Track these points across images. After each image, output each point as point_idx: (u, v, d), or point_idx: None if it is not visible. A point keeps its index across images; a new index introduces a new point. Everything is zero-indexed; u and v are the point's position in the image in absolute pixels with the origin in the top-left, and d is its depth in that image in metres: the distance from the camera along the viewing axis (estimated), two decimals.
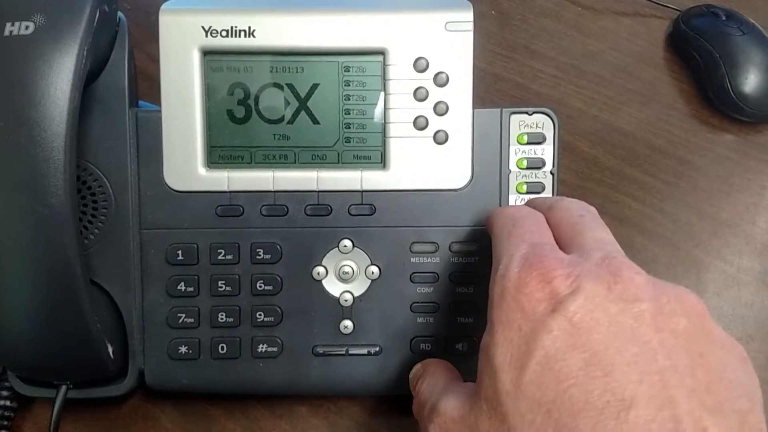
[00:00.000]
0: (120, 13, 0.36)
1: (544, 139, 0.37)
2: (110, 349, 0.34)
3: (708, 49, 0.53)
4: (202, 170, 0.36)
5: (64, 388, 0.34)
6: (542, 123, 0.37)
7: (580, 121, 0.52)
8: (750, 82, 0.51)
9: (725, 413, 0.23)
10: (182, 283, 0.36)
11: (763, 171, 0.50)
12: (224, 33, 0.35)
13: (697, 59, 0.55)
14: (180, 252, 0.36)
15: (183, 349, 0.36)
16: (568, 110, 0.52)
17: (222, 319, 0.36)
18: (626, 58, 0.56)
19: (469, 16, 0.36)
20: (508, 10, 0.58)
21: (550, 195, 0.37)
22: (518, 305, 0.25)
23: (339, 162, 0.37)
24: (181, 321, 0.36)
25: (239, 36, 0.35)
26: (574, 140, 0.50)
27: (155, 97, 0.38)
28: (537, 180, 0.37)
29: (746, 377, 0.25)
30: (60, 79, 0.30)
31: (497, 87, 0.53)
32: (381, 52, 0.36)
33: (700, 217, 0.48)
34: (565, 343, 0.24)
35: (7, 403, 0.36)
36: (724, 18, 0.55)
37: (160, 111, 0.36)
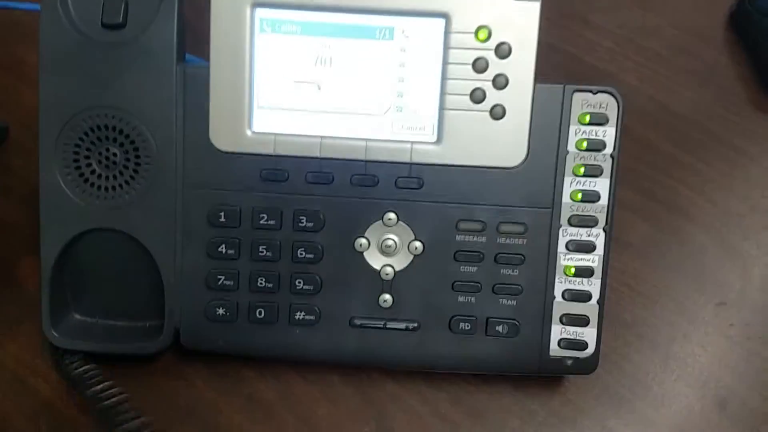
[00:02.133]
0: None
1: (607, 121, 0.35)
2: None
3: None
4: (248, 131, 0.35)
5: None
6: (606, 103, 0.35)
7: (635, 99, 0.50)
8: None
9: None
10: (223, 246, 0.35)
11: None
12: None
13: (760, 42, 0.52)
14: (222, 214, 0.35)
15: (220, 311, 0.36)
16: (622, 87, 0.49)
17: (261, 283, 0.36)
18: (686, 36, 0.54)
19: None
20: None
21: (608, 180, 0.35)
22: None
23: (389, 131, 0.35)
24: (220, 283, 0.36)
25: None
26: (627, 119, 0.47)
27: (197, 49, 0.37)
28: (596, 163, 0.35)
29: None
30: None
31: (550, 58, 0.51)
32: (443, 16, 0.34)
33: (751, 209, 0.46)
34: None
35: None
36: None
37: (208, 68, 0.34)
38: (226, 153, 0.35)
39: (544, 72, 0.47)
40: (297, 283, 0.36)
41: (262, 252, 0.35)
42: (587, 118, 0.35)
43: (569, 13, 0.53)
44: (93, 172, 0.35)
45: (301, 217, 0.35)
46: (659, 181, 0.46)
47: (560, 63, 0.50)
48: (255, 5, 0.34)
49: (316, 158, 0.35)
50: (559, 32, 0.52)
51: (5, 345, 0.39)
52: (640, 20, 0.53)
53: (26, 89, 0.49)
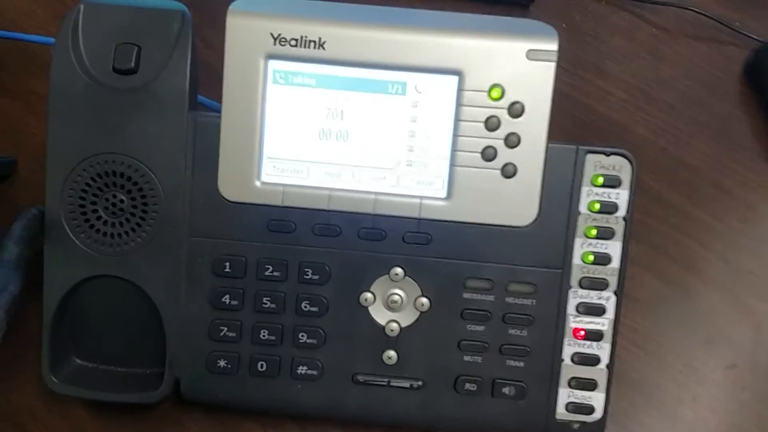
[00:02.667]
0: (185, 9, 0.35)
1: (620, 183, 0.35)
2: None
3: None
4: (257, 182, 0.35)
5: None
6: (620, 166, 0.35)
7: (647, 151, 0.49)
8: None
9: None
10: (227, 296, 0.35)
11: None
12: (293, 42, 0.33)
13: None
14: (228, 264, 0.35)
15: (222, 363, 0.35)
16: (633, 139, 0.50)
17: (264, 336, 0.35)
18: (699, 88, 0.53)
19: (553, 45, 0.33)
20: (579, 25, 0.56)
21: (620, 242, 0.35)
22: None
23: (398, 186, 0.35)
24: (222, 334, 0.35)
25: (308, 47, 0.33)
26: (638, 172, 0.47)
27: (210, 86, 0.37)
28: (608, 225, 0.35)
29: None
30: None
31: (562, 105, 0.50)
32: (457, 73, 0.34)
33: (764, 268, 0.45)
34: None
35: None
36: None
37: (219, 116, 0.34)
38: (234, 203, 0.35)
39: (555, 120, 0.47)
40: (300, 337, 0.35)
41: (266, 304, 0.35)
42: (600, 180, 0.34)
43: (582, 61, 0.53)
44: (99, 218, 0.34)
45: (306, 270, 0.35)
46: (670, 236, 0.46)
47: (571, 111, 0.50)
48: (269, 57, 0.34)
49: (324, 211, 0.35)
50: (571, 80, 0.52)
51: (4, 389, 0.38)
52: (653, 71, 0.53)
53: (35, 120, 0.48)
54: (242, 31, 0.34)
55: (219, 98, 0.35)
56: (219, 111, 0.35)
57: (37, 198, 0.44)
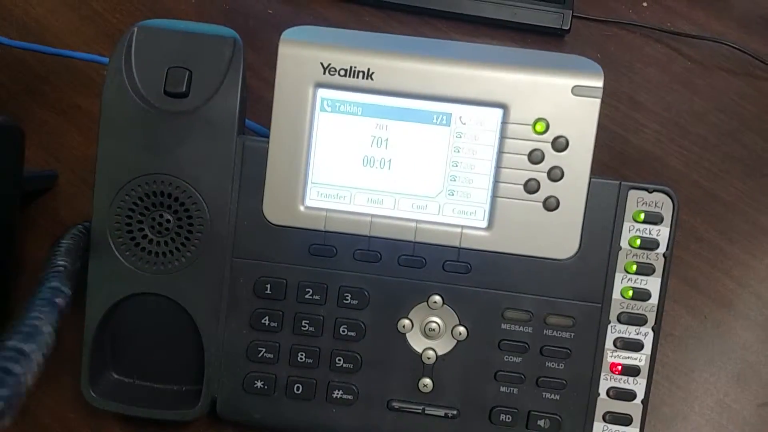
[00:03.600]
0: (236, 36, 0.36)
1: (662, 220, 0.35)
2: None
3: None
4: (301, 207, 0.35)
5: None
6: (662, 203, 0.35)
7: (680, 184, 0.49)
8: None
9: None
10: (267, 318, 0.35)
11: None
12: (342, 72, 0.34)
13: None
14: (269, 286, 0.35)
15: (258, 384, 0.36)
16: (667, 171, 0.50)
17: (301, 359, 0.35)
18: (732, 122, 0.53)
19: (599, 82, 0.34)
20: (614, 56, 0.56)
21: (660, 279, 0.35)
22: None
23: (440, 214, 0.35)
24: (260, 355, 0.35)
25: (357, 77, 0.34)
26: (679, 209, 0.47)
27: (259, 116, 0.37)
28: (648, 261, 0.35)
29: None
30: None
31: (597, 136, 0.51)
32: (502, 106, 0.34)
33: None
34: None
35: None
36: None
37: (266, 141, 0.35)
38: (278, 226, 0.35)
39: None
40: (337, 361, 0.35)
41: (304, 327, 0.35)
42: (642, 216, 0.35)
43: (617, 92, 0.53)
44: (145, 236, 0.35)
45: (346, 294, 0.35)
46: (704, 271, 0.45)
47: (606, 142, 0.50)
48: (318, 85, 0.34)
49: (365, 236, 0.35)
50: (607, 111, 0.52)
51: (42, 398, 0.39)
52: (687, 104, 0.53)
53: (77, 135, 0.49)
54: (293, 60, 0.34)
55: (262, 122, 0.36)
56: (264, 135, 0.35)
57: (79, 210, 0.45)
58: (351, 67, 0.34)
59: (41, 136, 0.48)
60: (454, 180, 0.35)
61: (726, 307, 0.45)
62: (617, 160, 0.50)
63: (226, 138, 0.35)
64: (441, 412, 0.35)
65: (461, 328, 0.35)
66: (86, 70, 0.51)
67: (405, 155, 0.35)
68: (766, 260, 0.47)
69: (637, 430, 0.35)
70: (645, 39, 0.57)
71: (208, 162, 0.35)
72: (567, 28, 0.55)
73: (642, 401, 0.35)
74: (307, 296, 0.35)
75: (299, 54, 0.34)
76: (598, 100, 0.34)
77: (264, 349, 0.35)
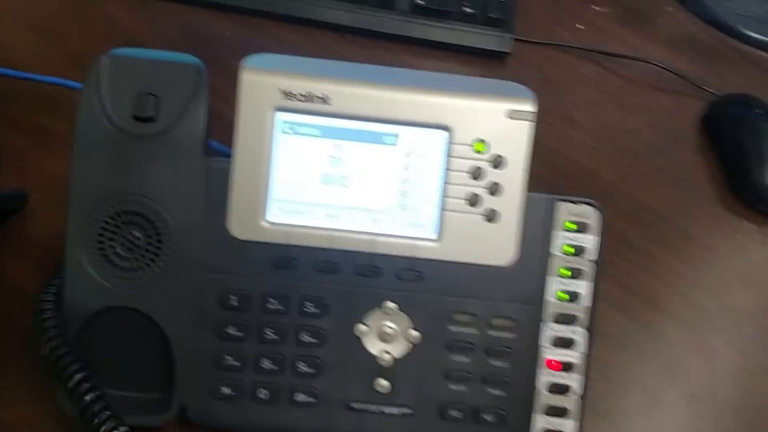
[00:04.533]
0: (200, 63, 0.38)
1: (589, 228, 0.39)
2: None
3: (738, 138, 0.56)
4: (264, 222, 0.38)
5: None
6: (589, 213, 0.39)
7: (614, 196, 0.54)
8: None
9: None
10: (232, 327, 0.38)
11: None
12: (301, 97, 0.37)
13: (728, 146, 0.57)
14: (235, 297, 0.38)
15: (226, 390, 0.38)
16: (601, 184, 0.54)
17: (266, 365, 0.38)
18: (662, 137, 0.58)
19: (531, 106, 0.38)
20: (552, 76, 0.61)
21: (590, 282, 0.39)
22: None
23: (393, 227, 0.38)
24: (227, 363, 0.38)
25: (314, 101, 0.37)
26: (606, 215, 0.51)
27: (221, 135, 0.40)
28: (578, 266, 0.39)
29: None
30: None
31: (535, 151, 0.55)
32: (446, 128, 0.38)
33: (721, 306, 0.50)
34: None
35: None
36: (758, 111, 0.57)
37: (229, 161, 0.38)
38: (242, 241, 0.38)
39: (531, 165, 0.51)
40: (299, 366, 0.38)
41: (268, 335, 0.38)
42: (571, 226, 0.38)
43: (555, 111, 0.57)
44: (116, 253, 0.37)
45: (307, 303, 0.38)
46: (635, 275, 0.50)
47: (544, 157, 0.54)
48: (278, 109, 0.37)
49: (325, 249, 0.38)
50: (544, 128, 0.55)
51: (16, 407, 0.40)
52: (619, 121, 0.58)
53: (45, 156, 0.51)
54: (254, 86, 0.37)
55: (222, 138, 0.39)
56: (225, 153, 0.38)
57: (50, 228, 0.46)
58: (309, 93, 0.37)
59: (11, 158, 0.49)
60: (405, 196, 0.38)
61: (656, 309, 0.49)
62: (555, 174, 0.54)
63: (192, 159, 0.37)
64: (396, 411, 0.38)
65: (414, 332, 0.38)
66: (53, 92, 0.53)
67: (360, 173, 0.38)
68: (692, 264, 0.51)
69: (574, 422, 0.39)
70: (581, 60, 0.62)
71: (176, 182, 0.37)
72: (508, 51, 0.59)
73: (578, 395, 0.39)
74: (270, 306, 0.38)
75: (260, 81, 0.37)
76: (531, 123, 0.38)
77: (231, 357, 0.38)
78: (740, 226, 0.54)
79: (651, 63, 0.62)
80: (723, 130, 0.58)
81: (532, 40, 0.62)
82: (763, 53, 0.65)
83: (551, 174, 0.54)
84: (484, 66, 0.60)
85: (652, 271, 0.50)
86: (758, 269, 0.52)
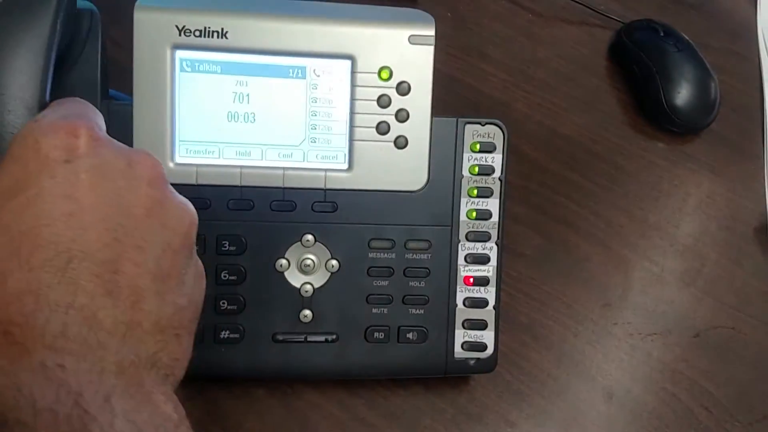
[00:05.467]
0: (93, 8, 0.37)
1: (495, 148, 0.40)
2: None
3: (645, 62, 0.58)
4: (170, 163, 0.37)
5: None
6: (493, 133, 0.40)
7: (526, 125, 0.55)
8: (681, 96, 0.56)
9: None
10: None
11: (689, 179, 0.55)
12: (197, 33, 0.36)
13: (635, 71, 0.59)
14: None
15: None
16: (514, 114, 0.56)
17: None
18: (571, 66, 0.60)
19: (431, 30, 0.38)
20: (463, 14, 0.61)
21: (498, 199, 0.40)
22: (36, 146, 0.26)
23: (304, 160, 0.39)
24: None
25: (212, 36, 0.37)
26: (519, 143, 0.53)
27: (119, 83, 0.39)
28: (486, 185, 0.40)
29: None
30: (32, 52, 0.31)
31: (451, 87, 0.56)
32: (350, 57, 0.38)
33: (630, 220, 0.52)
34: (61, 191, 0.26)
35: None
36: (662, 34, 0.59)
37: (131, 104, 0.37)
38: None
39: (445, 100, 0.52)
40: (221, 304, 0.38)
41: None
42: (477, 147, 0.39)
43: (468, 47, 0.58)
44: None
45: (223, 242, 0.38)
46: (548, 197, 0.52)
47: (459, 92, 0.55)
48: (176, 47, 0.37)
49: (237, 186, 0.38)
50: (459, 65, 0.57)
51: None
52: (530, 53, 0.59)
53: None
54: (149, 25, 0.36)
55: (128, 91, 0.38)
56: (131, 102, 0.37)
57: None
58: (205, 28, 0.36)
59: None
60: (315, 128, 0.39)
61: (570, 227, 0.51)
62: (469, 108, 0.55)
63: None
64: (322, 338, 0.39)
65: (334, 261, 0.39)
66: None
67: (267, 109, 0.38)
68: (602, 183, 0.53)
69: (492, 332, 0.40)
70: None
71: None
72: None
73: (494, 307, 0.40)
74: None
75: (154, 18, 0.36)
76: (432, 47, 0.38)
77: None
78: (649, 145, 0.56)
79: None
80: (630, 55, 0.60)
81: None
82: None
83: (466, 108, 0.55)
84: (396, 6, 0.60)
85: (565, 192, 0.52)
86: (666, 183, 0.54)
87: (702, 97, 0.56)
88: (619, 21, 0.62)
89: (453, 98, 0.55)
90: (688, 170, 0.55)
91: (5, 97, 0.31)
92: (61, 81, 0.36)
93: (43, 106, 0.31)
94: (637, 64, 0.59)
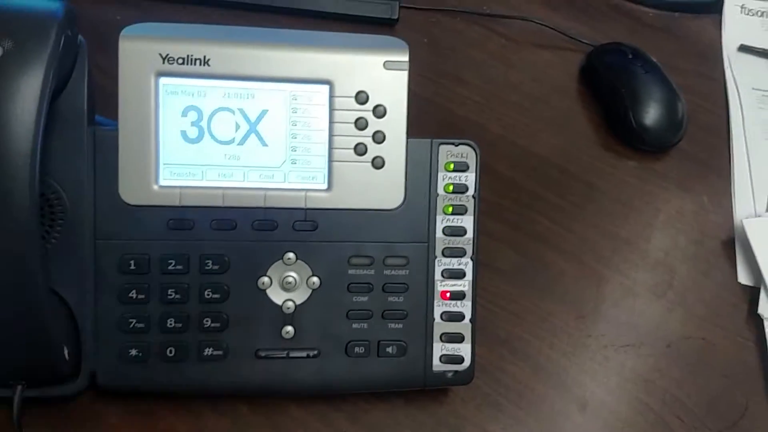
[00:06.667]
0: (80, 36, 0.39)
1: (468, 167, 0.41)
2: (65, 352, 0.37)
3: (614, 84, 0.60)
4: (155, 186, 0.39)
5: (20, 387, 0.36)
6: (466, 153, 0.41)
7: (500, 145, 0.57)
8: (650, 116, 0.58)
9: None
10: (134, 291, 0.39)
11: (659, 195, 0.57)
12: (180, 60, 0.38)
13: (605, 92, 0.61)
14: (132, 262, 0.38)
15: (133, 352, 0.39)
16: (489, 136, 0.58)
17: (171, 324, 0.39)
18: (543, 89, 0.62)
19: (405, 56, 0.40)
20: (439, 39, 0.63)
21: (472, 216, 0.42)
22: None
23: (285, 181, 0.40)
24: (132, 326, 0.39)
25: (194, 64, 0.38)
26: (494, 163, 0.55)
27: (106, 110, 0.40)
28: (461, 203, 0.41)
29: None
30: (27, 100, 0.33)
31: (427, 110, 0.58)
32: (327, 83, 0.39)
33: (602, 236, 0.54)
34: None
35: None
36: (630, 56, 0.62)
37: (116, 129, 0.38)
38: (135, 206, 0.38)
39: (422, 123, 0.54)
40: (205, 322, 0.39)
41: (170, 295, 0.39)
42: (452, 166, 0.41)
43: (443, 72, 0.60)
44: None
45: (207, 261, 0.39)
46: (523, 215, 0.53)
47: (435, 115, 0.57)
48: (159, 74, 0.38)
49: (220, 207, 0.39)
50: (435, 88, 0.59)
51: None
52: (503, 76, 0.61)
53: None
54: (133, 53, 0.38)
55: (114, 116, 0.39)
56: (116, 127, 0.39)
57: None
58: (188, 56, 0.38)
59: None
60: (295, 150, 0.40)
61: (544, 243, 0.53)
62: (445, 130, 0.57)
63: (77, 130, 0.38)
64: (303, 354, 0.40)
65: (315, 279, 0.40)
66: None
67: (249, 132, 0.40)
68: (574, 201, 0.55)
69: (469, 345, 0.42)
70: (464, 23, 0.65)
71: (63, 153, 0.38)
72: (396, 17, 0.62)
73: (470, 320, 0.42)
74: (170, 267, 0.39)
75: (139, 47, 0.38)
76: (406, 72, 0.40)
77: (135, 320, 0.39)
78: (619, 163, 0.59)
79: (531, 20, 0.65)
80: (600, 77, 0.62)
81: (418, 6, 0.64)
82: (631, 5, 0.70)
83: (443, 130, 0.57)
84: (374, 33, 0.62)
85: (539, 209, 0.54)
86: (637, 200, 0.56)
87: (669, 116, 0.59)
88: (590, 44, 0.65)
89: (429, 120, 0.57)
90: (658, 187, 0.57)
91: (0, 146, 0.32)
92: (49, 108, 0.37)
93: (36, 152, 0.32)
94: (607, 85, 0.61)
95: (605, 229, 0.54)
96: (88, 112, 0.38)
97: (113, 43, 0.38)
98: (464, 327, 0.42)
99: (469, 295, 0.42)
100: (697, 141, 0.60)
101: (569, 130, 0.60)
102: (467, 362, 0.42)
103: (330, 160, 0.40)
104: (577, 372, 0.47)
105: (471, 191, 0.42)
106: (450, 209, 0.41)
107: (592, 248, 0.53)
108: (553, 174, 0.56)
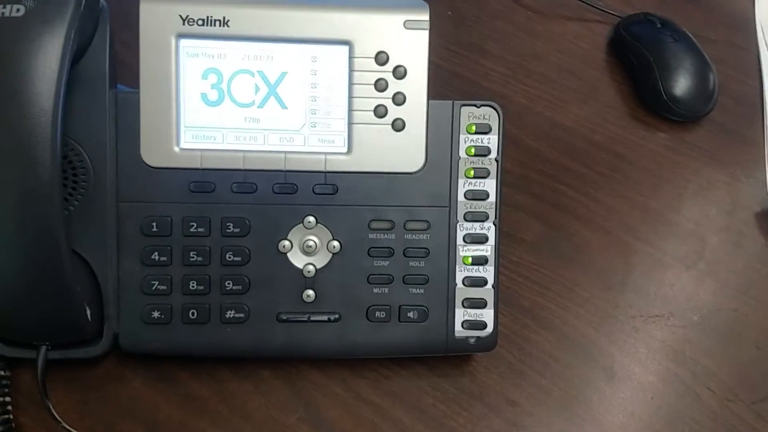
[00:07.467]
0: (102, 1, 0.39)
1: (490, 130, 0.41)
2: (88, 313, 0.37)
3: (643, 54, 0.59)
4: (176, 148, 0.39)
5: (44, 348, 0.37)
6: (489, 115, 0.41)
7: (526, 116, 0.56)
8: (680, 86, 0.56)
9: None
10: (156, 253, 0.39)
11: (688, 165, 0.55)
12: (200, 22, 0.38)
13: (634, 63, 0.60)
14: (154, 224, 0.39)
15: (155, 314, 0.39)
16: (515, 106, 0.57)
17: (193, 286, 0.39)
18: (570, 60, 0.61)
19: (425, 15, 0.39)
20: (463, 11, 0.63)
21: (495, 180, 0.41)
22: None
23: (305, 144, 0.40)
24: (154, 288, 0.39)
25: (214, 25, 0.38)
26: (519, 134, 0.54)
27: (128, 81, 0.41)
28: (483, 166, 0.41)
29: None
30: (49, 59, 0.33)
31: (452, 82, 0.57)
32: (347, 43, 0.39)
33: (631, 206, 0.53)
34: None
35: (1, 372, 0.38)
36: (659, 26, 0.60)
37: (138, 92, 0.38)
38: (157, 168, 0.39)
39: (447, 95, 0.53)
40: (227, 285, 0.39)
41: (192, 257, 0.39)
42: (473, 128, 0.40)
43: (468, 44, 0.60)
44: None
45: (228, 224, 0.39)
46: (549, 186, 0.52)
47: (460, 87, 0.56)
48: (180, 36, 0.38)
49: (240, 170, 0.39)
50: (460, 60, 0.59)
51: None
52: (529, 48, 0.60)
53: None
54: (154, 15, 0.38)
55: (135, 84, 0.39)
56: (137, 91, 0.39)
57: None
58: (208, 17, 0.38)
59: None
60: (315, 113, 0.40)
61: (569, 214, 0.52)
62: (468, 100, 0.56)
63: (99, 93, 0.38)
64: (324, 318, 0.40)
65: (335, 243, 0.40)
66: None
67: (268, 94, 0.39)
68: (601, 170, 0.54)
69: (492, 311, 0.41)
70: None
71: (86, 116, 0.38)
72: None
73: (493, 286, 0.41)
74: (192, 230, 0.39)
75: (159, 9, 0.38)
76: (427, 32, 0.39)
77: (157, 282, 0.39)
78: (648, 134, 0.57)
79: None
80: (628, 47, 0.60)
81: None
82: None
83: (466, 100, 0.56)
84: None
85: (565, 181, 0.53)
86: (666, 171, 0.55)
87: (700, 86, 0.57)
88: (616, 15, 0.63)
89: (454, 92, 0.56)
90: (688, 157, 0.56)
91: (23, 104, 0.32)
92: (71, 72, 0.37)
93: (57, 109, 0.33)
94: (635, 55, 0.59)
95: (634, 199, 0.53)
96: (109, 75, 0.38)
97: (133, 14, 0.38)
98: (487, 292, 0.41)
99: (491, 260, 0.41)
100: (729, 111, 0.58)
101: (596, 102, 0.59)
102: (490, 328, 0.41)
103: (350, 123, 0.40)
104: (604, 342, 0.46)
105: (494, 154, 0.41)
106: (472, 173, 0.41)
107: (618, 219, 0.52)
108: (579, 145, 0.55)
